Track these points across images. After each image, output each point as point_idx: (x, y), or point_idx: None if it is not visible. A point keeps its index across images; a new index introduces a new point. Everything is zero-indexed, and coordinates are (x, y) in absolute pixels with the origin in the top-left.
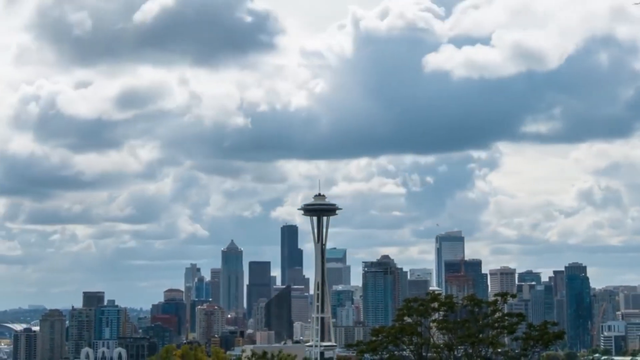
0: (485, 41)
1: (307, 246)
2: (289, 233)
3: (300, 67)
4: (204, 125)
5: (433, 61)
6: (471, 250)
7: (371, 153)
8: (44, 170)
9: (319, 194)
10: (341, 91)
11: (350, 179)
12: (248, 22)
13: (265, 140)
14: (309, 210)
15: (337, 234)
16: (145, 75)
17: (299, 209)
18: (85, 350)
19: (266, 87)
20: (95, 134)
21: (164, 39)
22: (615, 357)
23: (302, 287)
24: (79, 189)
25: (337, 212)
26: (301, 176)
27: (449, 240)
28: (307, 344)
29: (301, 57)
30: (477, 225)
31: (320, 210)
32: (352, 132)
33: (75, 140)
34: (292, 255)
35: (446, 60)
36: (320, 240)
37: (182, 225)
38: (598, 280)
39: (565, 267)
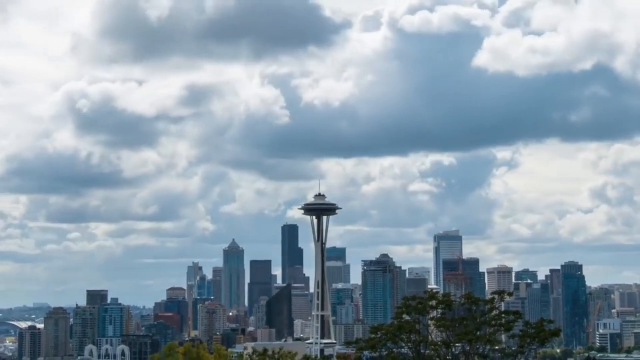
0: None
1: (308, 245)
2: (290, 232)
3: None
4: (245, 120)
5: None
6: (475, 249)
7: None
8: (83, 168)
9: (319, 194)
10: (383, 87)
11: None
12: (300, 17)
13: (304, 137)
14: (309, 209)
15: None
16: (199, 72)
17: (299, 209)
18: (89, 347)
19: (311, 83)
20: (144, 130)
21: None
22: (611, 354)
23: (303, 285)
24: (113, 187)
25: (337, 211)
26: (335, 173)
27: (447, 239)
28: (308, 341)
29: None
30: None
31: (320, 209)
32: (386, 129)
33: (120, 137)
34: (292, 254)
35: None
36: (320, 239)
37: (202, 224)
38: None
39: (562, 266)
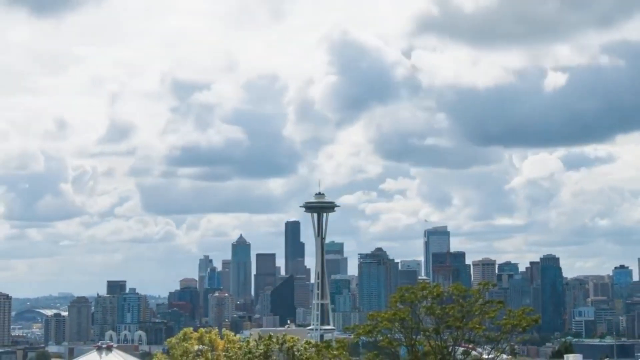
0: None
1: (309, 240)
2: (292, 228)
3: None
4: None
5: None
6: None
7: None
8: None
9: (319, 193)
10: None
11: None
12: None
13: None
14: (310, 207)
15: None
16: None
17: (300, 207)
18: (109, 333)
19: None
20: None
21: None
22: (585, 339)
23: (304, 276)
24: None
25: (335, 209)
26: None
27: (436, 235)
28: (309, 327)
29: None
30: None
31: (320, 207)
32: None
33: None
34: (294, 248)
35: None
36: (320, 234)
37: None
38: None
39: (540, 259)
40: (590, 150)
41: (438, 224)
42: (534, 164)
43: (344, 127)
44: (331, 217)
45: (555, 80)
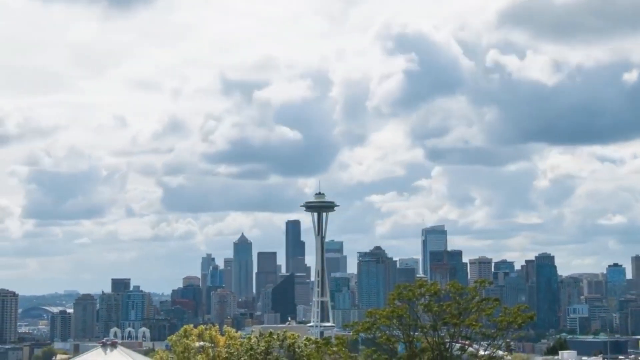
0: None
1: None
2: (293, 227)
3: None
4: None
5: None
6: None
7: None
8: None
9: (319, 193)
10: None
11: None
12: None
13: None
14: (310, 207)
15: None
16: None
17: (301, 206)
18: (114, 329)
19: None
20: None
21: None
22: (579, 336)
23: (304, 274)
24: None
25: (335, 208)
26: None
27: (434, 234)
28: (309, 324)
29: None
30: None
31: (320, 207)
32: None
33: None
34: (295, 247)
35: None
36: (320, 233)
37: None
38: None
39: (536, 257)
40: None
41: (435, 223)
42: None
43: (385, 123)
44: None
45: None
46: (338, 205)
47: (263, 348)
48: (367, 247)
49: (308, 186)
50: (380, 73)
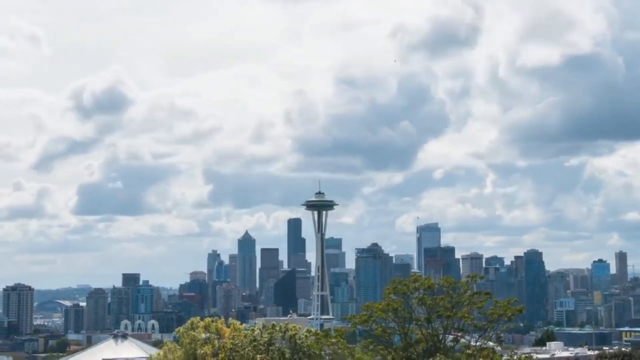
0: None
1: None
2: (294, 224)
3: None
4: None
5: None
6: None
7: None
8: None
9: (319, 192)
10: None
11: None
12: None
13: None
14: (310, 205)
15: None
16: None
17: (301, 205)
18: (124, 322)
19: None
20: None
21: None
22: (566, 328)
23: (305, 269)
24: None
25: (334, 207)
26: None
27: (428, 231)
28: (309, 317)
29: None
30: None
31: (320, 205)
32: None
33: None
34: (296, 243)
35: None
36: (320, 230)
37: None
38: None
39: (524, 253)
40: None
41: (430, 220)
42: None
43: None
44: None
45: None
46: (337, 204)
47: (266, 339)
48: (364, 244)
49: None
50: None
